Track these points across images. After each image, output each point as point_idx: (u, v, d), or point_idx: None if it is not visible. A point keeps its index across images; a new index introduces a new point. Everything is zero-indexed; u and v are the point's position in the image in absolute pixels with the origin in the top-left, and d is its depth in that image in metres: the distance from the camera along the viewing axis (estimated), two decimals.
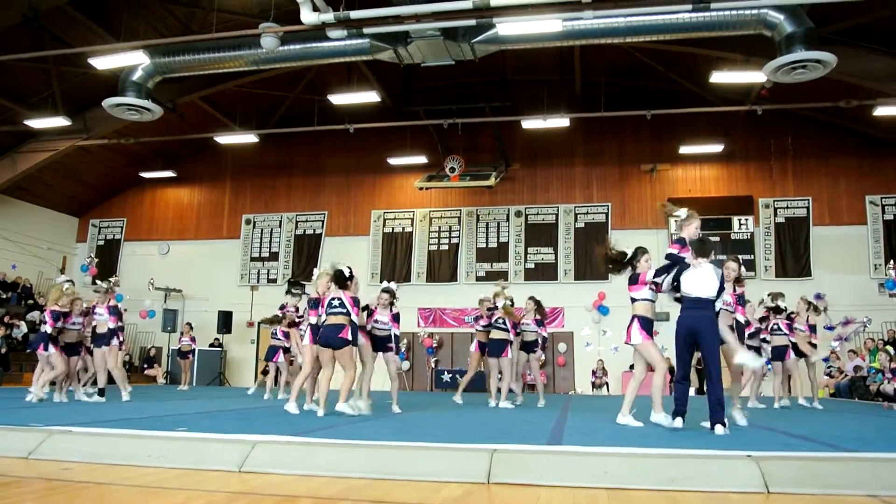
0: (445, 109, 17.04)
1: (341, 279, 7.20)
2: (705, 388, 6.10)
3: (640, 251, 6.42)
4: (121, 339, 10.02)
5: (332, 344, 7.07)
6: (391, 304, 8.21)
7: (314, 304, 7.66)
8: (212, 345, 19.28)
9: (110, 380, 10.01)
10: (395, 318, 8.25)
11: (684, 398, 5.83)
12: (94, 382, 10.11)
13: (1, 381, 15.45)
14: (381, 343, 8.21)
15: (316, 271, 8.06)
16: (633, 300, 6.32)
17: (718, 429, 5.49)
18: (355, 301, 7.24)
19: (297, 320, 10.23)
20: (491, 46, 12.19)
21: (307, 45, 12.46)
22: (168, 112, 15.65)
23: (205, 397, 11.46)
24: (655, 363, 6.15)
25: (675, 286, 5.94)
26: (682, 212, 6.40)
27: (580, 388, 17.79)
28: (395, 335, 8.26)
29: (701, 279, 5.79)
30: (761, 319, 10.15)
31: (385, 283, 8.48)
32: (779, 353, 10.10)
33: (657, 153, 19.06)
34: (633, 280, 6.32)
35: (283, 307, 10.55)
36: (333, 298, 7.14)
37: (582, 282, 18.73)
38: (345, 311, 7.06)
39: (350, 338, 7.09)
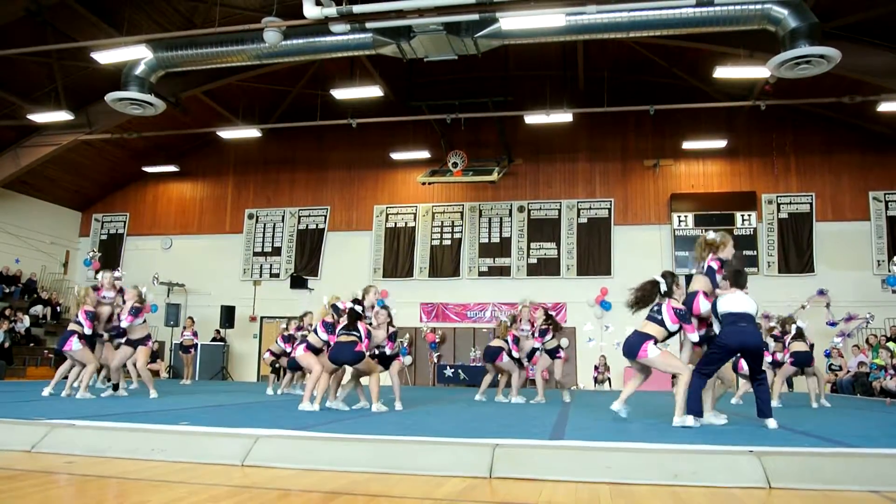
0: (448, 104, 17.04)
1: (356, 317, 7.50)
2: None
3: (672, 278, 6.24)
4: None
5: (348, 360, 7.41)
6: (389, 323, 8.17)
7: (331, 328, 7.82)
8: (213, 339, 19.22)
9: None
10: (391, 337, 8.25)
11: (700, 396, 5.82)
12: (108, 378, 10.08)
13: (3, 375, 15.49)
14: (385, 361, 8.28)
15: (325, 299, 8.18)
16: (658, 322, 6.11)
17: (771, 422, 5.65)
18: (368, 333, 7.56)
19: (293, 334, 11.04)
20: (494, 41, 12.15)
21: (310, 39, 12.43)
22: (171, 107, 15.64)
23: (207, 392, 11.48)
24: (679, 370, 5.98)
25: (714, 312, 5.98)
26: (714, 235, 6.33)
27: (582, 384, 17.79)
28: (388, 353, 8.33)
29: (740, 299, 5.83)
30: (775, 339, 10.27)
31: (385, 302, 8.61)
32: (802, 359, 9.99)
33: (660, 149, 19.02)
34: (687, 319, 6.06)
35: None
36: (350, 324, 7.47)
37: (584, 277, 18.71)
38: (358, 334, 7.40)
39: (365, 351, 7.44)
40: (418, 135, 19.57)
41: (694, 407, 5.72)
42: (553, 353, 10.24)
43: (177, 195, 22.07)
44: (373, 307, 8.05)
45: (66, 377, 9.29)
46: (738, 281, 5.98)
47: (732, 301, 5.83)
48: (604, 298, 18.21)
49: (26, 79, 16.07)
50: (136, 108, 13.74)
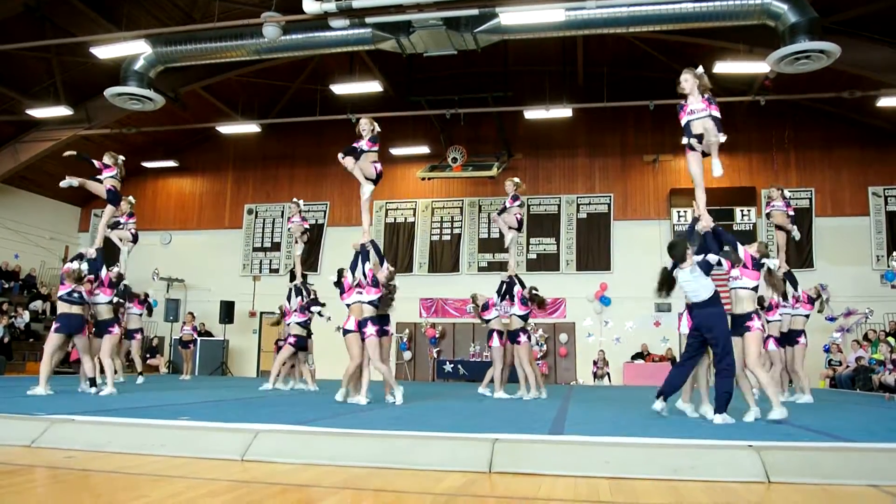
0: (448, 100, 17.03)
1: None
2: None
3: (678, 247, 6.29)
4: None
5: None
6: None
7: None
8: (200, 333, 18.85)
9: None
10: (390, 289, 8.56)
11: (676, 382, 5.88)
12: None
13: (3, 371, 15.49)
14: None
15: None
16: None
17: (717, 418, 5.53)
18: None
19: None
20: (493, 36, 12.15)
21: (309, 34, 12.43)
22: (170, 102, 15.62)
23: (207, 387, 11.49)
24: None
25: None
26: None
27: (581, 379, 17.81)
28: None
29: (689, 286, 5.88)
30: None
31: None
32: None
33: (660, 144, 18.95)
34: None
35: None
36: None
37: (584, 272, 18.69)
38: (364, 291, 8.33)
39: (349, 326, 8.04)
40: (418, 130, 19.54)
41: (667, 390, 5.80)
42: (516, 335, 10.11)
43: (176, 190, 22.05)
44: (373, 132, 8.75)
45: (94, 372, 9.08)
46: (673, 253, 6.01)
47: (686, 287, 5.91)
48: (603, 294, 18.22)
49: (25, 74, 16.03)
50: (135, 104, 13.74)
